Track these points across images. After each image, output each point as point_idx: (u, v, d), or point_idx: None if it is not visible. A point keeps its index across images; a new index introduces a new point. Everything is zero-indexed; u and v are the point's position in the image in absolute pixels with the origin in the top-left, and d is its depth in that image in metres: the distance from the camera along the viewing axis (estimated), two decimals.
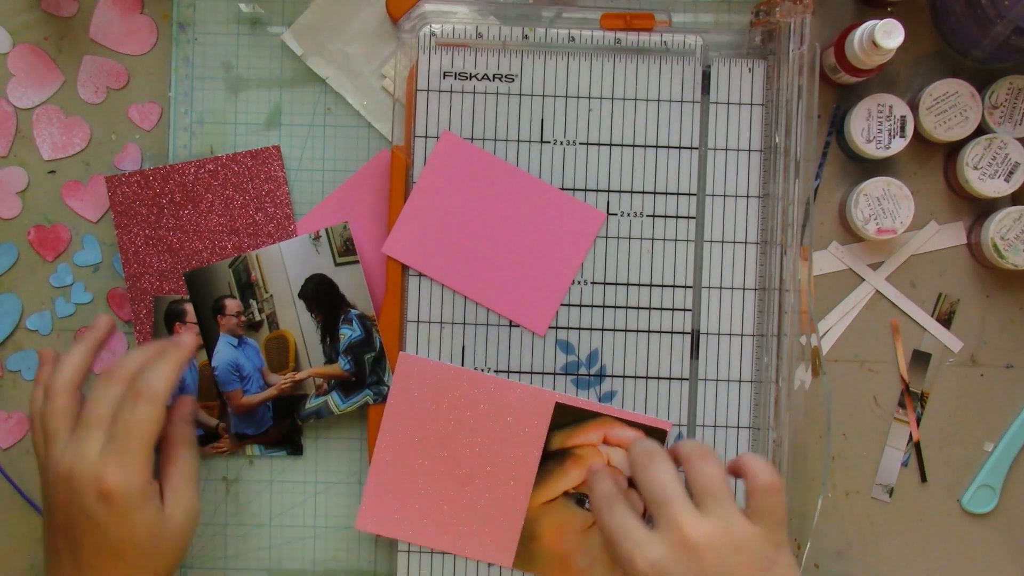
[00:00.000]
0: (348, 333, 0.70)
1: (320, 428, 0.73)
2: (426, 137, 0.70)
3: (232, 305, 0.70)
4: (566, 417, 0.69)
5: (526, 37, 0.70)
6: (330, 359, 0.71)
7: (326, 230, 0.70)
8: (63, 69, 0.73)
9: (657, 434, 0.69)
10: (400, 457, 0.69)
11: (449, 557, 0.70)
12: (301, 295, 0.71)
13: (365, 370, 0.71)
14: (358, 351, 0.71)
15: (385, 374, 0.71)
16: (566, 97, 0.71)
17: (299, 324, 0.70)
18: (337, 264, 0.71)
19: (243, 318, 0.70)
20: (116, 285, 0.73)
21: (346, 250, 0.71)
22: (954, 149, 0.72)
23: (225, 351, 0.70)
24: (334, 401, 0.71)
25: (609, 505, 0.62)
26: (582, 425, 0.69)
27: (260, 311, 0.70)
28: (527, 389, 0.69)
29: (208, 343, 0.71)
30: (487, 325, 0.70)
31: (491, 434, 0.69)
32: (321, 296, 0.71)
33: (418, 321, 0.70)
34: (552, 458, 0.69)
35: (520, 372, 0.70)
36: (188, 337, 0.66)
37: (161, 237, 0.72)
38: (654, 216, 0.71)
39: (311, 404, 0.71)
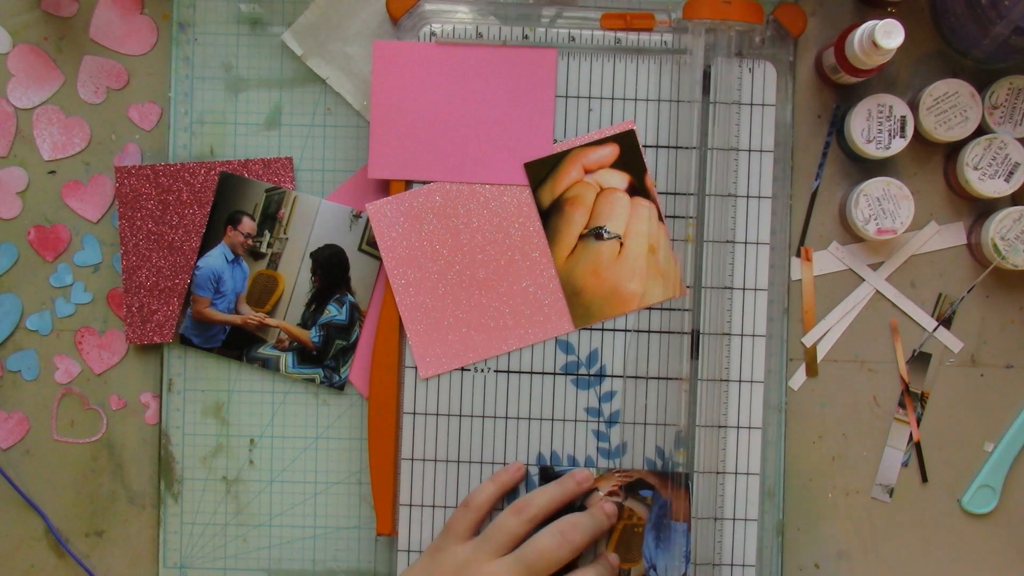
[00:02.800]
0: (334, 312, 0.71)
1: (320, 428, 0.73)
2: None
3: (247, 224, 0.71)
4: (540, 170, 0.70)
5: (526, 37, 0.70)
6: (305, 324, 0.71)
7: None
8: (63, 69, 0.73)
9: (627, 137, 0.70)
10: (421, 298, 0.69)
11: None
12: (313, 255, 0.71)
13: (329, 352, 0.71)
14: (333, 332, 0.71)
15: (343, 369, 0.71)
16: (566, 97, 0.71)
17: (296, 277, 0.71)
18: (360, 249, 0.71)
19: (250, 241, 0.71)
20: (116, 285, 0.73)
21: (375, 243, 0.71)
22: (954, 149, 0.72)
23: (216, 259, 0.71)
24: (286, 361, 0.71)
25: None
26: (557, 169, 0.70)
27: (269, 245, 0.71)
28: (495, 188, 0.69)
29: (205, 245, 0.71)
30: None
31: (485, 231, 0.69)
32: (330, 266, 0.71)
33: None
34: (551, 214, 0.69)
35: (520, 372, 0.70)
36: (518, 465, 0.70)
37: (163, 234, 0.72)
38: None
39: (264, 351, 0.72)
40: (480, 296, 0.70)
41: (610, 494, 0.70)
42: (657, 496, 0.70)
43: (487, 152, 0.70)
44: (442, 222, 0.70)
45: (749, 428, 0.70)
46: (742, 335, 0.70)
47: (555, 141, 0.70)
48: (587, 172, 0.69)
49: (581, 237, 0.69)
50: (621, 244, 0.69)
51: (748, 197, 0.70)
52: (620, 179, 0.69)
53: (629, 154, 0.69)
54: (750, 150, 0.71)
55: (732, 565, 0.70)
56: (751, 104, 0.71)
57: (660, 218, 0.70)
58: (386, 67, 0.69)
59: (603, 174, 0.69)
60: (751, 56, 0.71)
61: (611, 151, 0.69)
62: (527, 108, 0.70)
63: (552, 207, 0.70)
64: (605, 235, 0.69)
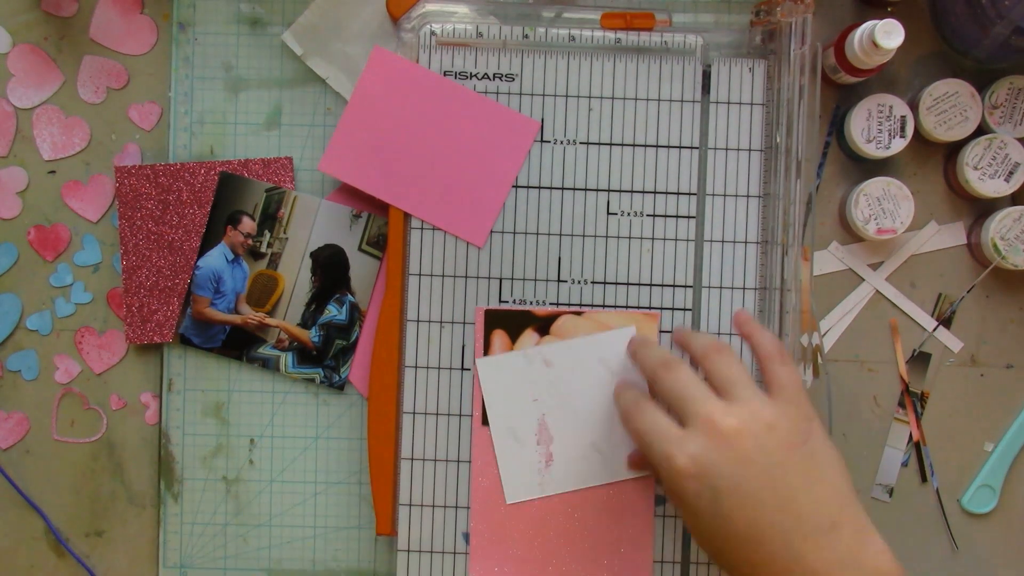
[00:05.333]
0: (334, 312, 0.71)
1: (320, 428, 0.73)
2: None
3: (247, 224, 0.71)
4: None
5: (526, 37, 0.70)
6: (304, 324, 0.71)
7: (368, 215, 0.71)
8: (63, 69, 0.73)
9: (648, 322, 0.70)
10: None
11: (448, 556, 0.70)
12: (313, 255, 0.71)
13: (329, 352, 0.71)
14: (333, 332, 0.71)
15: (343, 368, 0.71)
16: (566, 97, 0.71)
17: (296, 277, 0.71)
18: (360, 249, 0.71)
19: (250, 241, 0.71)
20: (116, 285, 0.73)
21: (375, 242, 0.71)
22: (954, 149, 0.72)
23: (216, 259, 0.71)
24: (286, 361, 0.71)
25: (639, 409, 0.62)
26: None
27: (269, 245, 0.71)
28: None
29: (205, 245, 0.71)
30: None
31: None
32: (330, 266, 0.71)
33: (418, 320, 0.70)
34: None
35: None
36: None
37: (163, 233, 0.72)
38: (654, 216, 0.71)
39: (264, 350, 0.72)
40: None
41: None
42: None
43: (440, 191, 0.70)
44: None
45: None
46: (742, 334, 0.70)
47: (552, 141, 0.71)
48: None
49: None
50: None
51: (748, 197, 0.70)
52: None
53: None
54: (750, 150, 0.71)
55: None
56: (751, 104, 0.71)
57: None
58: (378, 73, 0.69)
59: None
60: (752, 56, 0.71)
61: None
62: (492, 165, 0.70)
63: None
64: None
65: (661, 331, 0.70)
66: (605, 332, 0.69)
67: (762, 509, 0.57)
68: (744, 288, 0.70)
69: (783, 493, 0.57)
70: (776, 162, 0.69)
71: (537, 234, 0.71)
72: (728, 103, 0.71)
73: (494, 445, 0.70)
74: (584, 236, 0.71)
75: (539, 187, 0.71)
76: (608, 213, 0.71)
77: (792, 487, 0.57)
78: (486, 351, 0.70)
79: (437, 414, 0.71)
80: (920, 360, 0.73)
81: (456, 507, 0.70)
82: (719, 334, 0.70)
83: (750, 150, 0.71)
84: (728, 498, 0.57)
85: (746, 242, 0.70)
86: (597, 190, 0.71)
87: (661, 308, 0.71)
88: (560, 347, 0.69)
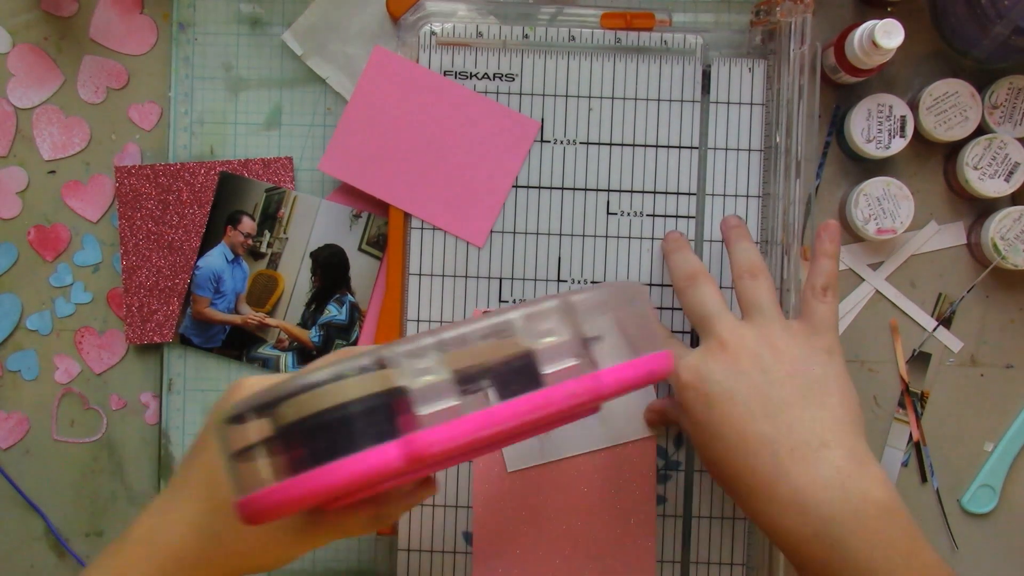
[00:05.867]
0: (334, 312, 0.71)
1: None
2: None
3: (247, 224, 0.71)
4: None
5: (526, 36, 0.71)
6: (304, 324, 0.71)
7: (368, 215, 0.71)
8: (63, 69, 0.73)
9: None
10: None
11: (448, 556, 0.70)
12: (313, 255, 0.71)
13: (329, 352, 0.71)
14: (333, 332, 0.71)
15: None
16: (566, 97, 0.71)
17: (296, 277, 0.71)
18: (360, 249, 0.71)
19: (250, 241, 0.71)
20: (116, 285, 0.73)
21: (375, 242, 0.71)
22: (954, 149, 0.72)
23: (216, 259, 0.71)
24: (286, 361, 0.72)
25: (694, 284, 0.63)
26: None
27: (269, 245, 0.71)
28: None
29: (205, 245, 0.71)
30: None
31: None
32: (330, 266, 0.71)
33: (418, 320, 0.70)
34: None
35: None
36: None
37: (163, 233, 0.72)
38: (654, 216, 0.71)
39: (264, 350, 0.72)
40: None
41: None
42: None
43: (440, 191, 0.70)
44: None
45: None
46: None
47: (552, 141, 0.71)
48: None
49: None
50: None
51: (748, 197, 0.70)
52: None
53: None
54: (750, 150, 0.71)
55: (732, 564, 0.70)
56: (751, 104, 0.71)
57: None
58: (378, 73, 0.69)
59: None
60: (751, 56, 0.71)
61: None
62: (492, 165, 0.70)
63: None
64: None
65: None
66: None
67: (750, 418, 0.57)
68: None
69: (774, 406, 0.57)
70: (776, 162, 0.69)
71: (537, 234, 0.71)
72: (728, 103, 0.71)
73: None
74: (584, 236, 0.71)
75: (539, 187, 0.71)
76: (608, 213, 0.71)
77: (785, 402, 0.57)
78: None
79: None
80: (920, 360, 0.73)
81: (456, 507, 0.70)
82: None
83: (750, 150, 0.71)
84: (719, 406, 0.58)
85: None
86: (597, 190, 0.71)
87: (661, 308, 0.71)
88: None
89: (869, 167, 0.72)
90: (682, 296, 0.64)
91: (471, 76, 0.70)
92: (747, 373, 0.58)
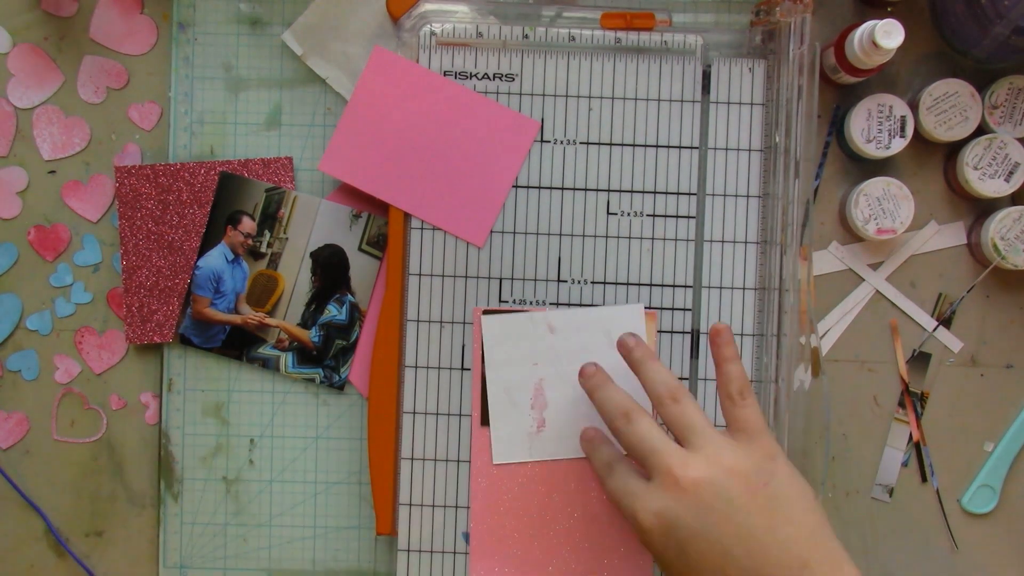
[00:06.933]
0: (334, 312, 0.71)
1: (320, 428, 0.73)
2: None
3: (247, 224, 0.71)
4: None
5: (526, 36, 0.70)
6: (305, 324, 0.71)
7: (368, 215, 0.71)
8: (63, 69, 0.73)
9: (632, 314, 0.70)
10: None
11: (448, 556, 0.70)
12: (313, 255, 0.71)
13: (329, 352, 0.72)
14: (333, 332, 0.71)
15: (343, 368, 0.71)
16: (566, 97, 0.71)
17: (296, 277, 0.71)
18: (360, 249, 0.71)
19: (250, 241, 0.71)
20: (116, 285, 0.73)
21: (375, 242, 0.71)
22: (954, 149, 0.72)
23: (216, 259, 0.71)
24: (286, 361, 0.71)
25: (609, 471, 0.62)
26: None
27: (269, 245, 0.71)
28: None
29: (205, 245, 0.71)
30: None
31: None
32: (330, 266, 0.71)
33: (418, 320, 0.70)
34: None
35: None
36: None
37: (163, 234, 0.72)
38: (654, 216, 0.71)
39: (264, 350, 0.72)
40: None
41: None
42: None
43: (440, 191, 0.70)
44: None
45: None
46: (742, 335, 0.70)
47: (552, 141, 0.71)
48: None
49: None
50: None
51: (748, 197, 0.70)
52: None
53: None
54: (750, 150, 0.71)
55: None
56: (751, 104, 0.71)
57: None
58: (378, 73, 0.69)
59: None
60: (751, 56, 0.71)
61: None
62: (492, 165, 0.70)
63: None
64: None
65: (660, 331, 0.70)
66: (612, 307, 0.69)
67: (728, 556, 0.56)
68: (744, 288, 0.70)
69: (748, 539, 0.57)
70: (775, 162, 0.69)
71: (537, 234, 0.71)
72: (728, 103, 0.71)
73: (488, 403, 0.70)
74: (584, 236, 0.71)
75: (539, 187, 0.71)
76: (608, 213, 0.71)
77: (757, 532, 0.57)
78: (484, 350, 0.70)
79: (437, 414, 0.71)
80: (920, 360, 0.73)
81: (456, 507, 0.70)
82: None
83: (750, 150, 0.71)
84: (695, 550, 0.57)
85: (746, 242, 0.70)
86: (597, 190, 0.71)
87: (661, 308, 0.71)
88: (566, 315, 0.69)
89: (869, 167, 0.72)
90: (619, 435, 0.61)
91: (471, 76, 0.70)
92: (714, 510, 0.57)
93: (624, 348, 0.64)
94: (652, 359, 0.63)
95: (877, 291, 0.73)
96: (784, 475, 0.59)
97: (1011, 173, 0.70)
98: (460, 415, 0.71)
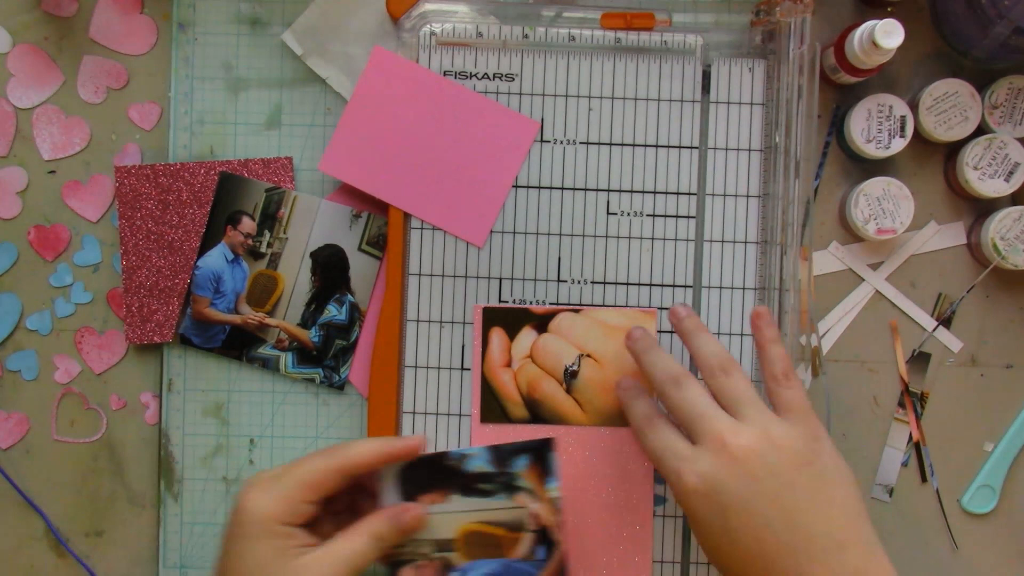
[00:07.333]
0: (334, 312, 0.71)
1: (320, 428, 0.73)
2: None
3: (247, 224, 0.71)
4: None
5: (526, 36, 0.71)
6: (304, 324, 0.71)
7: (368, 215, 0.71)
8: (63, 69, 0.73)
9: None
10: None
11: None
12: (313, 255, 0.71)
13: (329, 352, 0.71)
14: (333, 332, 0.71)
15: (343, 368, 0.71)
16: (566, 97, 0.71)
17: (296, 277, 0.71)
18: (360, 249, 0.71)
19: (250, 241, 0.71)
20: (116, 285, 0.73)
21: (375, 242, 0.71)
22: (954, 149, 0.72)
23: (216, 259, 0.71)
24: (286, 361, 0.71)
25: (651, 425, 0.62)
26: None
27: (269, 245, 0.71)
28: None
29: (205, 245, 0.71)
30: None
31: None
32: (329, 266, 0.71)
33: (418, 320, 0.70)
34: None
35: None
36: (416, 440, 0.63)
37: (163, 234, 0.72)
38: (654, 216, 0.71)
39: (264, 350, 0.72)
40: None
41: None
42: None
43: (440, 191, 0.70)
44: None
45: None
46: (742, 335, 0.70)
47: (552, 141, 0.71)
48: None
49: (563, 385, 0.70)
50: (593, 358, 0.70)
51: (748, 197, 0.70)
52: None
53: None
54: (750, 150, 0.71)
55: None
56: (751, 104, 0.71)
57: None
58: (378, 74, 0.69)
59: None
60: (751, 56, 0.71)
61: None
62: (492, 165, 0.70)
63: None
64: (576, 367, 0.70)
65: (660, 331, 0.70)
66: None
67: (770, 528, 0.57)
68: (744, 288, 0.70)
69: (791, 513, 0.57)
70: (775, 162, 0.69)
71: (537, 234, 0.71)
72: (728, 103, 0.71)
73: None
74: (584, 236, 0.71)
75: (539, 187, 0.71)
76: (608, 213, 0.71)
77: (800, 507, 0.57)
78: (484, 349, 0.70)
79: (437, 414, 0.71)
80: (920, 360, 0.73)
81: None
82: (719, 334, 0.70)
83: (750, 150, 0.71)
84: (736, 516, 0.57)
85: (746, 242, 0.70)
86: (597, 190, 0.71)
87: (661, 308, 0.71)
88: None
89: (869, 167, 0.72)
90: (667, 399, 0.62)
91: (471, 76, 0.70)
92: (760, 480, 0.57)
93: (675, 317, 0.65)
94: (703, 330, 0.64)
95: (877, 291, 0.73)
96: (829, 456, 0.59)
97: (1011, 173, 0.70)
98: (460, 415, 0.71)
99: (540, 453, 0.65)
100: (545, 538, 0.65)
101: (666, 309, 0.70)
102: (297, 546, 0.59)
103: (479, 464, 0.64)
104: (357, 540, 0.60)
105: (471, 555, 0.64)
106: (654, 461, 0.61)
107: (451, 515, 0.64)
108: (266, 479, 0.60)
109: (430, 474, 0.64)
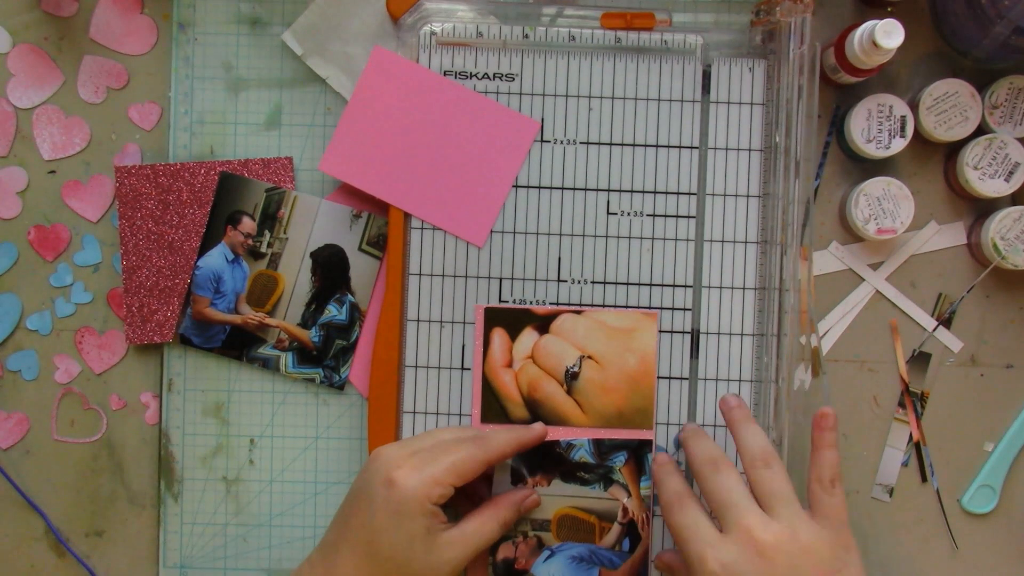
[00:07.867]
0: (334, 312, 0.71)
1: (320, 428, 0.73)
2: None
3: (247, 224, 0.71)
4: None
5: (526, 36, 0.71)
6: (304, 324, 0.71)
7: (368, 215, 0.71)
8: (63, 69, 0.73)
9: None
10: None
11: None
12: (313, 255, 0.71)
13: (329, 352, 0.71)
14: (333, 332, 0.71)
15: (343, 368, 0.71)
16: (566, 96, 0.71)
17: (296, 277, 0.71)
18: (360, 249, 0.71)
19: (250, 241, 0.71)
20: (116, 285, 0.73)
21: (375, 242, 0.71)
22: (954, 149, 0.72)
23: (216, 259, 0.71)
24: (286, 361, 0.72)
25: (681, 504, 0.62)
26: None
27: (269, 245, 0.71)
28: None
29: (205, 245, 0.71)
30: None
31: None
32: (330, 266, 0.71)
33: (418, 320, 0.70)
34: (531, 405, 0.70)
35: None
36: (543, 429, 0.68)
37: (163, 234, 0.72)
38: (654, 216, 0.71)
39: (264, 350, 0.72)
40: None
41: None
42: None
43: (440, 191, 0.70)
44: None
45: None
46: (742, 335, 0.70)
47: (552, 141, 0.71)
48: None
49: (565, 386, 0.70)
50: (593, 359, 0.70)
51: (748, 197, 0.70)
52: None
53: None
54: (750, 150, 0.71)
55: None
56: (751, 104, 0.71)
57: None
58: (378, 73, 0.69)
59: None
60: (751, 56, 0.71)
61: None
62: (492, 165, 0.70)
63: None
64: (576, 368, 0.70)
65: (660, 331, 0.70)
66: None
67: None
68: (744, 288, 0.70)
69: None
70: (775, 162, 0.69)
71: (537, 234, 0.71)
72: (728, 103, 0.71)
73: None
74: (584, 236, 0.71)
75: (539, 187, 0.71)
76: (608, 213, 0.71)
77: None
78: (485, 349, 0.70)
79: (437, 414, 0.71)
80: (920, 360, 0.73)
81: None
82: (719, 333, 0.70)
83: (750, 150, 0.71)
84: None
85: (746, 242, 0.70)
86: (597, 190, 0.71)
87: (661, 308, 0.71)
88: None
89: (869, 167, 0.72)
90: (703, 481, 0.61)
91: (471, 76, 0.70)
92: None
93: (726, 406, 0.65)
94: (751, 421, 0.64)
95: (877, 291, 0.73)
96: (855, 569, 0.59)
97: (1011, 173, 0.70)
98: (460, 415, 0.71)
99: (638, 452, 0.69)
100: (632, 531, 0.68)
101: (668, 309, 0.70)
102: (440, 524, 0.62)
103: (582, 454, 0.69)
104: (488, 524, 0.64)
105: (562, 537, 0.69)
106: (678, 540, 0.61)
107: (551, 498, 0.69)
108: (411, 457, 0.62)
109: (540, 459, 0.68)
